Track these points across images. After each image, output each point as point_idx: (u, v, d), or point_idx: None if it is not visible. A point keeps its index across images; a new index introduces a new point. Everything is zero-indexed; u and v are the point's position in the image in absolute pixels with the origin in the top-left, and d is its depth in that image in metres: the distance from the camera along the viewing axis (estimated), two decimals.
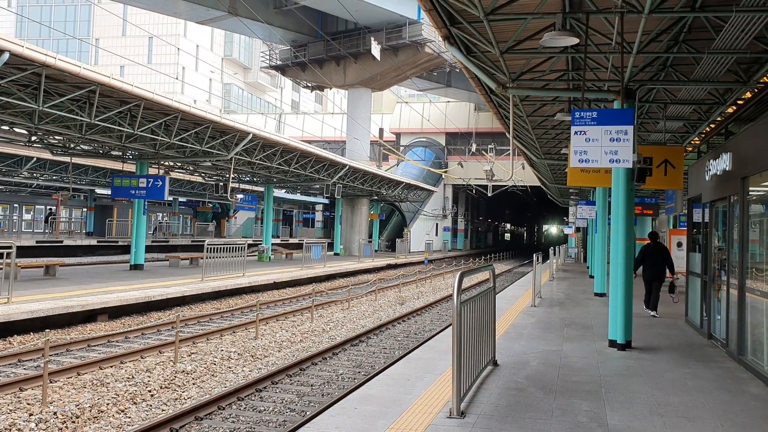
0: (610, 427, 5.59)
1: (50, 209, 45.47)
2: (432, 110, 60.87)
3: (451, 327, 5.68)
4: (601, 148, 7.68)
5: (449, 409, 5.84)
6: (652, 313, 13.61)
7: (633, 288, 9.82)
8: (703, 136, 14.50)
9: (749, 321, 8.33)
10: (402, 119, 62.51)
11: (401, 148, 60.09)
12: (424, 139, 60.74)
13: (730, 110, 12.36)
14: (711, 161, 10.19)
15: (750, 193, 8.43)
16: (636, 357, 8.94)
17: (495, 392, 6.68)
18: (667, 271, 13.48)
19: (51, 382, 9.16)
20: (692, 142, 16.31)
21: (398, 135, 62.68)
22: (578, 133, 7.72)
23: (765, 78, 10.06)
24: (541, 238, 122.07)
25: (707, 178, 10.50)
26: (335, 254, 40.91)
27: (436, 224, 58.83)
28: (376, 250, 44.56)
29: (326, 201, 58.31)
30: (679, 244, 22.25)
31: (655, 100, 12.62)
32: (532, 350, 9.21)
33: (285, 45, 48.11)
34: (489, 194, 51.26)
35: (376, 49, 42.52)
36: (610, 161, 7.69)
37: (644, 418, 5.92)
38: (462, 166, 54.87)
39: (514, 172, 45.49)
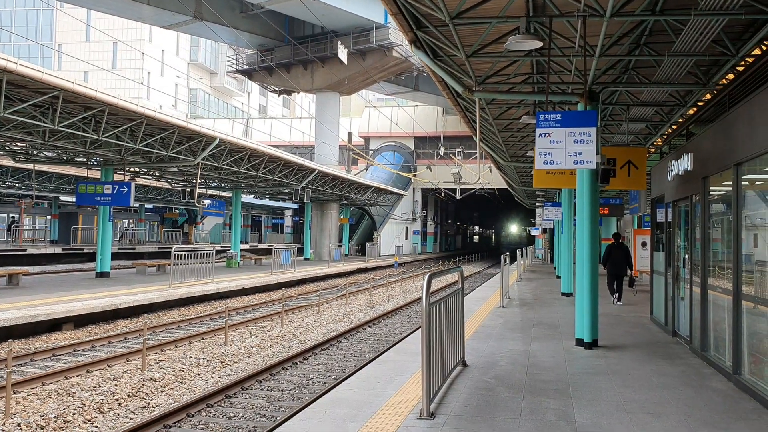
0: (577, 425, 5.67)
1: (13, 217, 44.59)
2: (400, 114, 61.05)
3: (420, 329, 5.71)
4: (565, 149, 7.79)
5: (419, 410, 5.86)
6: (618, 302, 15.67)
7: (599, 287, 9.97)
8: (666, 137, 14.78)
9: (711, 318, 8.51)
10: (371, 123, 62.57)
11: (370, 152, 60.14)
12: (393, 143, 60.86)
13: (691, 112, 12.63)
14: (673, 162, 10.40)
15: (711, 192, 8.62)
16: (602, 355, 9.07)
17: (464, 392, 6.73)
18: (628, 267, 15.46)
19: (15, 393, 8.99)
20: (655, 143, 16.62)
21: (367, 139, 62.73)
22: (543, 135, 7.83)
23: (724, 80, 10.30)
24: (500, 239, 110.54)
25: (670, 178, 10.70)
26: (305, 259, 40.76)
27: (406, 228, 58.96)
28: (346, 255, 44.51)
29: (295, 206, 58.11)
30: (644, 244, 22.60)
31: (618, 102, 12.84)
32: (500, 350, 9.29)
33: (251, 49, 47.87)
34: (457, 197, 51.56)
35: (343, 53, 42.52)
36: (574, 162, 7.80)
37: (611, 415, 6.01)
38: (431, 170, 55.11)
39: (482, 175, 45.81)
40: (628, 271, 15.55)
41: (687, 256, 9.85)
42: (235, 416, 8.41)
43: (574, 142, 7.75)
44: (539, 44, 7.71)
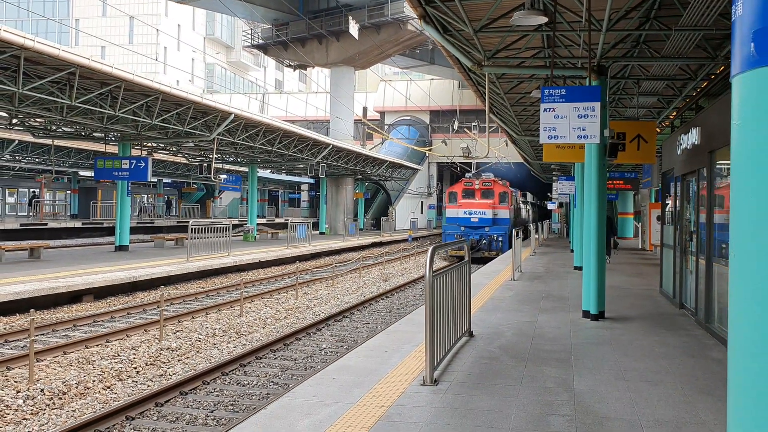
0: (576, 392, 5.86)
1: (34, 192, 45.26)
2: (416, 88, 60.81)
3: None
4: (569, 124, 7.89)
5: (423, 378, 6.08)
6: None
7: (605, 260, 10.10)
8: (678, 111, 14.76)
9: (716, 290, 8.62)
10: (386, 98, 62.38)
11: (385, 127, 60.06)
12: (408, 118, 60.72)
13: (704, 85, 12.61)
14: (682, 136, 10.45)
15: (717, 166, 8.68)
16: (608, 326, 9.24)
17: (468, 361, 6.94)
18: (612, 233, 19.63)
19: (38, 361, 9.33)
20: (669, 116, 16.58)
21: (382, 114, 62.60)
22: (547, 110, 7.93)
23: None
24: None
25: (679, 152, 10.76)
26: (321, 233, 41.07)
27: (421, 202, 59.05)
28: (361, 229, 44.79)
29: (311, 180, 58.35)
30: (658, 218, 22.62)
31: (630, 76, 12.84)
32: (507, 322, 9.48)
33: (267, 24, 47.81)
34: (473, 172, 51.48)
35: (354, 29, 42.35)
36: (578, 137, 7.91)
37: (609, 382, 6.20)
38: (446, 144, 55.01)
39: (498, 149, 45.78)
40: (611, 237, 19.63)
41: (694, 228, 9.94)
42: (249, 384, 8.70)
43: (578, 116, 7.85)
44: (544, 20, 7.78)
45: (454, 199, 31.21)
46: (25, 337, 11.01)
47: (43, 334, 11.55)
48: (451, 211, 30.83)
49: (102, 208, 43.15)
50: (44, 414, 7.33)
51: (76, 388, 8.19)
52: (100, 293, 15.13)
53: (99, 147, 30.57)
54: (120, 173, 21.71)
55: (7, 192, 45.15)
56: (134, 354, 9.96)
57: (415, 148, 54.60)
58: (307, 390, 5.88)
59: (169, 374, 9.12)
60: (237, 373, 9.25)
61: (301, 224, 29.67)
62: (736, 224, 2.29)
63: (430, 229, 55.83)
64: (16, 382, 8.35)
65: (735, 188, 2.30)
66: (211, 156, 27.96)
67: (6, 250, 18.32)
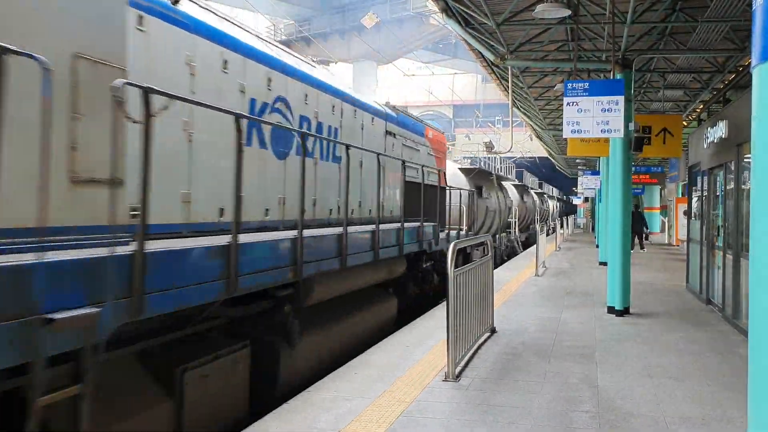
0: (599, 388, 5.80)
1: None
2: (439, 83, 60.62)
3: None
4: (593, 118, 7.80)
5: (445, 373, 6.06)
6: (641, 250, 22.60)
7: (630, 255, 10.00)
8: (705, 104, 14.55)
9: (744, 285, 8.48)
10: (409, 93, 62.21)
11: None
12: (431, 112, 60.56)
13: (731, 77, 12.40)
14: (709, 129, 10.29)
15: (745, 159, 8.54)
16: (633, 322, 9.14)
17: (491, 357, 6.91)
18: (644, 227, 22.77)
19: None
20: (696, 109, 16.36)
21: (405, 109, 62.39)
22: (571, 104, 7.85)
23: None
24: None
25: (705, 146, 10.60)
26: None
27: None
28: None
29: None
30: (685, 212, 22.34)
31: (656, 69, 12.68)
32: (531, 317, 9.42)
33: (289, 20, 47.95)
34: (497, 166, 51.22)
35: (370, 23, 42.30)
36: (601, 131, 7.82)
37: (633, 379, 6.13)
38: (469, 139, 54.77)
39: (522, 143, 45.48)
40: (645, 230, 22.52)
41: (721, 223, 9.80)
42: None
43: (601, 110, 7.76)
44: (567, 12, 7.70)
45: None
46: None
47: None
48: None
49: None
50: None
51: None
52: None
53: None
54: None
55: None
56: None
57: None
58: (330, 385, 5.89)
59: None
60: None
61: None
62: (758, 217, 2.25)
63: None
64: None
65: (756, 181, 2.25)
66: None
67: None
